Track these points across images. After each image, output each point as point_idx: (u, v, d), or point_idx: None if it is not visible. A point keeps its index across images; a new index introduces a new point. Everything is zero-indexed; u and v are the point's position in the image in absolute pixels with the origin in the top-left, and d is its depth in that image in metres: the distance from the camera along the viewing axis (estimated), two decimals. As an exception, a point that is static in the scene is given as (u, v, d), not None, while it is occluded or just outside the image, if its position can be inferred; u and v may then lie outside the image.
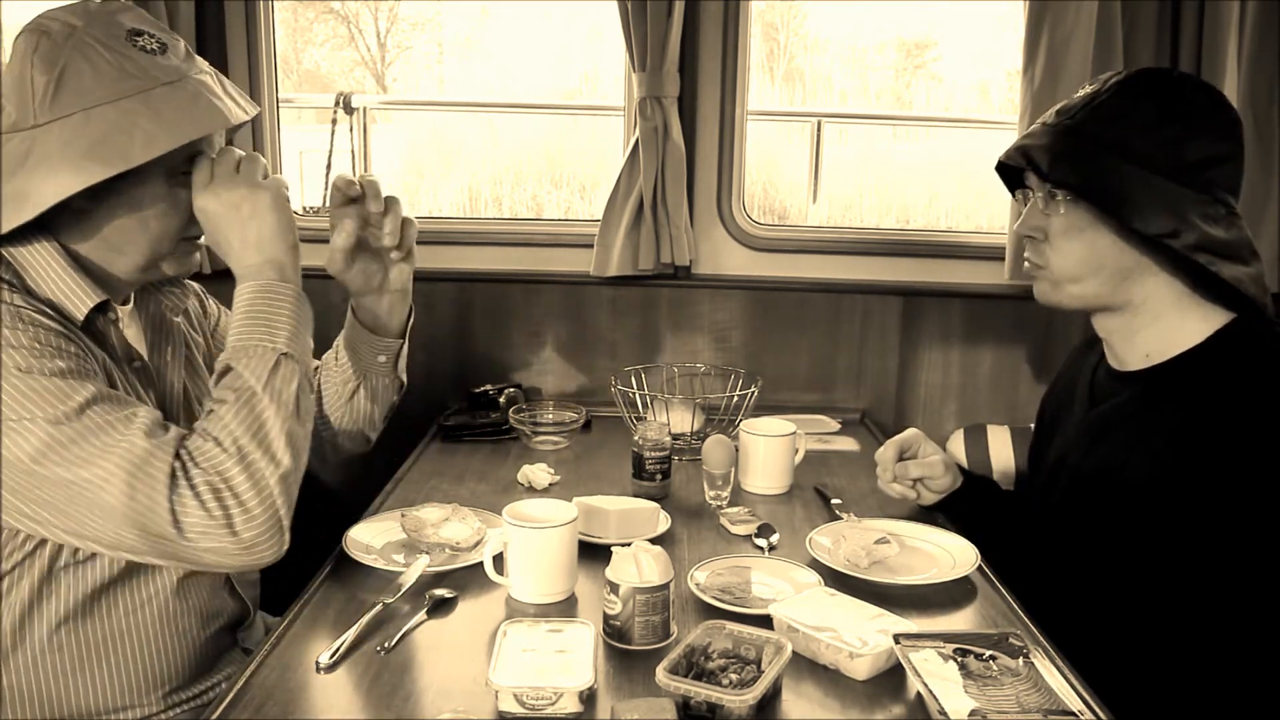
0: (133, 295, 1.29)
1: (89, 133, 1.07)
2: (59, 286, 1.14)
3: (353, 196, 1.32)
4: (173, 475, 1.03)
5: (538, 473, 1.69)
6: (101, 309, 1.17)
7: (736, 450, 1.64)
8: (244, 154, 1.20)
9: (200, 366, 1.38)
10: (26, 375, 1.03)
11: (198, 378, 1.37)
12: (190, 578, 1.25)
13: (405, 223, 1.37)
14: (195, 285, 1.46)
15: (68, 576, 1.15)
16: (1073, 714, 0.95)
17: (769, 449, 1.66)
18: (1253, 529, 1.21)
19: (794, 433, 1.68)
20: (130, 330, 1.27)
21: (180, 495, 1.03)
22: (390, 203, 1.34)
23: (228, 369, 1.13)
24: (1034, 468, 1.60)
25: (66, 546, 1.13)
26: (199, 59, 1.20)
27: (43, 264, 1.14)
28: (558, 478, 1.71)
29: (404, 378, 1.54)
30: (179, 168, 1.17)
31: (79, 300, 1.14)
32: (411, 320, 1.51)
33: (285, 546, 1.11)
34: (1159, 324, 1.32)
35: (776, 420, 1.70)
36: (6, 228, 1.10)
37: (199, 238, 1.24)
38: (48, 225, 1.13)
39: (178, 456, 1.05)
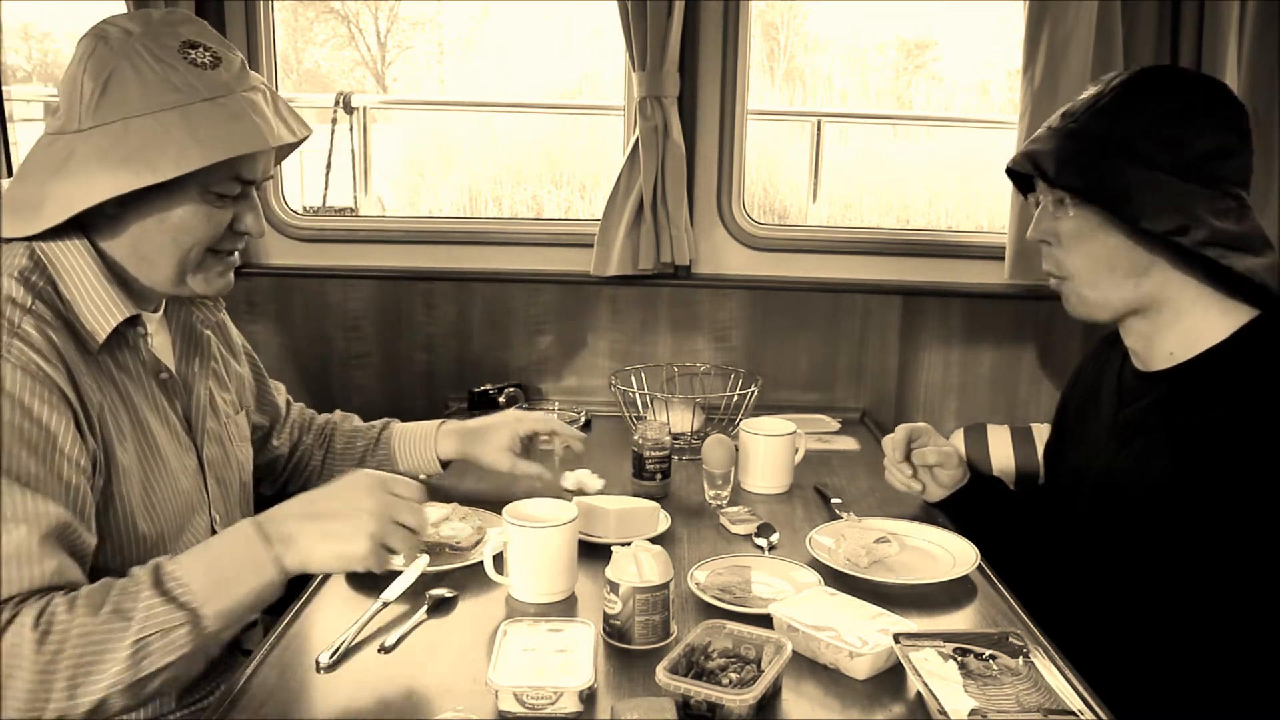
0: (164, 303, 1.28)
1: (126, 142, 1.07)
2: (91, 296, 1.12)
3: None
4: None
5: (587, 478, 1.62)
6: (131, 322, 1.16)
7: (736, 450, 1.64)
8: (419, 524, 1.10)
9: (226, 380, 1.38)
10: None
11: (225, 391, 1.36)
12: None
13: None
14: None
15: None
16: (1073, 714, 0.95)
17: (769, 449, 1.66)
18: (1271, 530, 1.20)
19: (794, 432, 1.68)
20: (158, 339, 1.25)
21: None
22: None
23: (156, 574, 1.00)
24: (1052, 469, 1.58)
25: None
26: (254, 75, 1.18)
27: (77, 268, 1.12)
28: (604, 481, 1.63)
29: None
30: (216, 185, 1.15)
31: (108, 313, 1.13)
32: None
33: None
34: (1182, 322, 1.31)
35: (776, 420, 1.70)
36: (41, 228, 1.10)
37: (231, 254, 1.22)
38: (82, 226, 1.13)
39: (9, 606, 0.96)
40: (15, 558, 0.98)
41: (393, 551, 1.07)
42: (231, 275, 1.24)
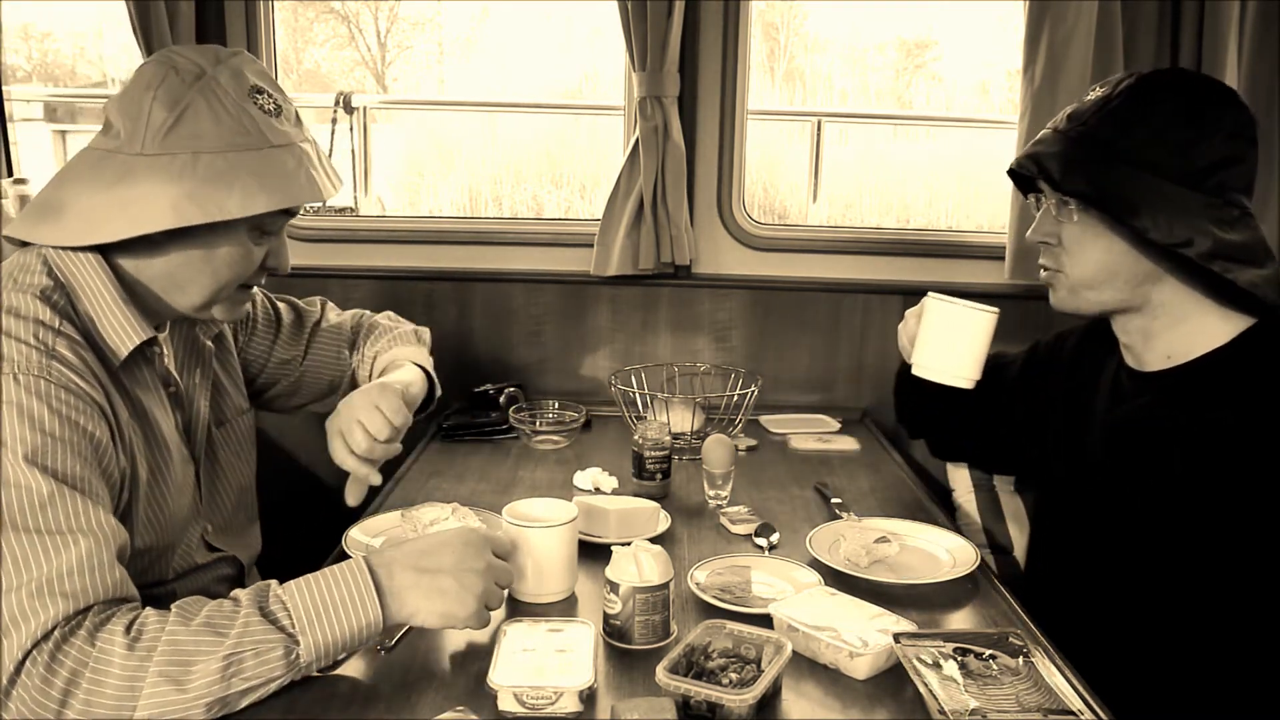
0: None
1: (194, 176, 1.08)
2: (109, 316, 1.12)
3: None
4: (69, 622, 0.95)
5: (601, 476, 1.64)
6: (149, 342, 1.16)
7: (917, 325, 1.48)
8: (498, 567, 1.11)
9: (225, 391, 1.38)
10: (30, 466, 0.99)
11: (220, 402, 1.36)
12: (200, 579, 1.26)
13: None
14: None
15: None
16: (1073, 714, 0.95)
17: (965, 325, 1.42)
18: (1269, 532, 1.21)
19: (998, 312, 1.43)
20: (164, 350, 1.26)
21: (39, 650, 0.93)
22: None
23: (261, 595, 1.01)
24: (1043, 468, 1.56)
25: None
26: (305, 126, 1.20)
27: (94, 287, 1.12)
28: (615, 480, 1.66)
29: None
30: (264, 225, 1.17)
31: (125, 335, 1.13)
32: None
33: None
34: (1180, 327, 1.30)
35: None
36: (90, 241, 1.11)
37: (252, 287, 1.24)
38: (104, 246, 1.13)
39: (93, 612, 0.96)
40: (90, 566, 0.98)
41: (489, 609, 1.10)
42: (248, 305, 1.28)
